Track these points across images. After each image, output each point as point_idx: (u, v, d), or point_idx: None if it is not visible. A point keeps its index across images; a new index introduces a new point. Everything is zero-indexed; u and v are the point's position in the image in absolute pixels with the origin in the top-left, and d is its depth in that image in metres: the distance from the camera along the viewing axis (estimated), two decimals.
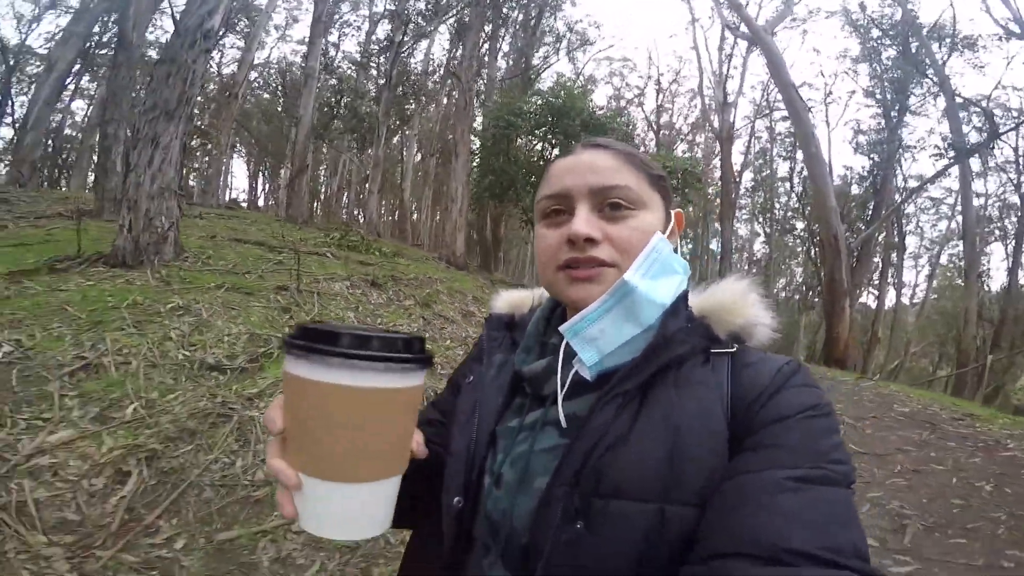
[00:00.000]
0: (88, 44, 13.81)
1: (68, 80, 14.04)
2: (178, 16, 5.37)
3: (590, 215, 0.59)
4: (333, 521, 0.44)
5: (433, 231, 21.80)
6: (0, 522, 1.81)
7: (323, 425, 0.42)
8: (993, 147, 14.50)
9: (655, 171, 0.63)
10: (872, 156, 18.35)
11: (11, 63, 17.17)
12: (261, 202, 28.38)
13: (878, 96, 18.13)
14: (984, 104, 14.63)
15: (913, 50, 15.93)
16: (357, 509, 0.44)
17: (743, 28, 16.83)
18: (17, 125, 18.39)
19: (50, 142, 18.38)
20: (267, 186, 30.07)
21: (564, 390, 0.56)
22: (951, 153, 13.67)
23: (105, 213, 8.43)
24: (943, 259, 24.98)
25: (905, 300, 28.66)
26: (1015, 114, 15.22)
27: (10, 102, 17.96)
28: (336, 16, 19.36)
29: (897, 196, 18.16)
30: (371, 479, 0.44)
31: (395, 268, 6.37)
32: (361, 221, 19.18)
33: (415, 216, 22.67)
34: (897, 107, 17.37)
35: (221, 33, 19.63)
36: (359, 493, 0.44)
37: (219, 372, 2.75)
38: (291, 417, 0.43)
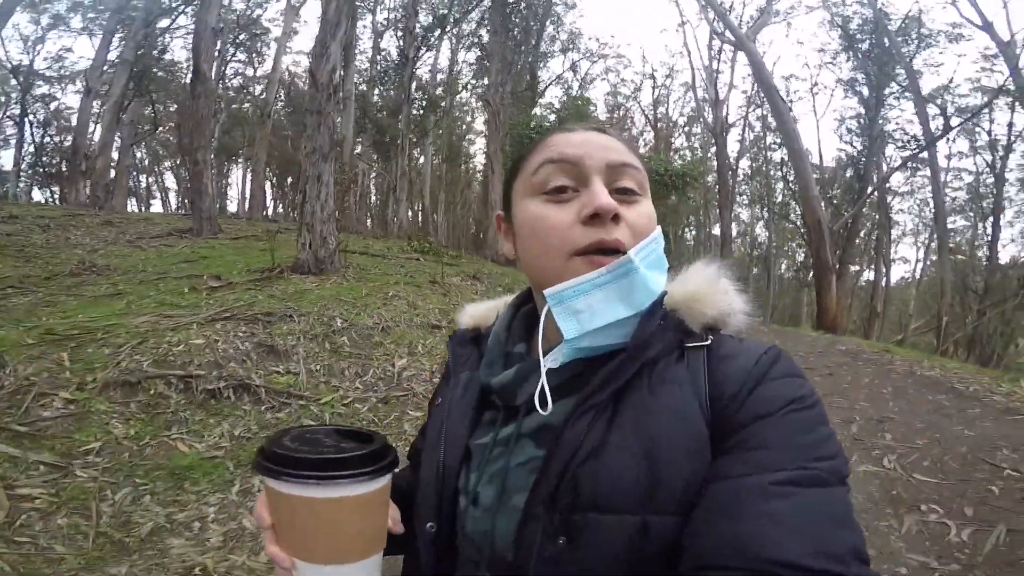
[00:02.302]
0: (133, 70, 15.93)
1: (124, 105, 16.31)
2: (313, 72, 7.55)
3: (607, 191, 0.58)
4: None
5: (447, 231, 24.48)
6: None
7: (303, 526, 0.51)
8: (949, 138, 17.43)
9: (648, 164, 0.67)
10: (854, 144, 21.16)
11: (22, 83, 19.39)
12: (270, 211, 30.77)
13: (856, 88, 20.75)
14: (939, 101, 17.50)
15: (887, 44, 18.64)
16: None
17: (728, 34, 19.55)
18: (36, 143, 20.55)
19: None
20: (274, 195, 32.13)
21: (542, 389, 0.56)
22: (913, 145, 16.57)
23: (204, 232, 10.77)
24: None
25: (908, 276, 31.79)
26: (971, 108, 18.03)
27: (27, 122, 20.16)
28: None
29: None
30: (354, 560, 0.53)
31: (470, 266, 9.06)
32: (370, 225, 21.69)
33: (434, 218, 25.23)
34: (875, 99, 19.93)
35: (233, 53, 21.99)
36: (347, 571, 0.53)
37: (437, 328, 5.34)
38: (275, 515, 0.53)
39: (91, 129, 17.91)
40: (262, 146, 17.38)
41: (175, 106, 23.46)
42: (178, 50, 20.22)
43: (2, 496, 2.65)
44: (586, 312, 0.54)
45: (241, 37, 20.97)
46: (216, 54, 23.27)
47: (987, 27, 15.36)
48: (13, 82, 19.59)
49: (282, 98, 24.06)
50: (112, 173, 18.53)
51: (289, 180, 29.55)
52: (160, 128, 23.03)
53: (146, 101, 17.79)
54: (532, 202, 0.60)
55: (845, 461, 0.50)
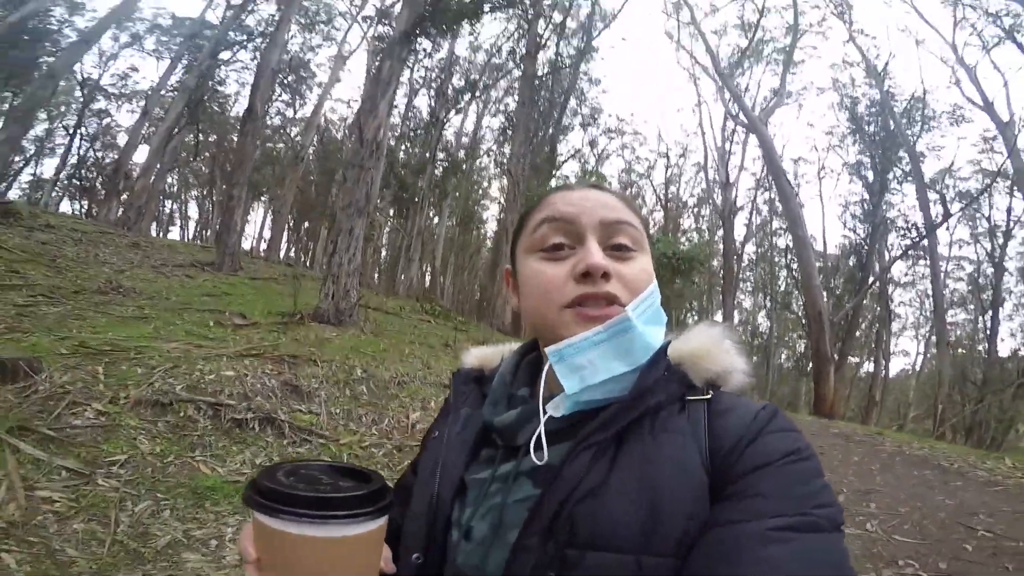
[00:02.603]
0: (191, 98, 16.62)
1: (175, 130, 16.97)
2: (361, 128, 8.06)
3: (600, 250, 0.62)
4: None
5: (453, 295, 24.99)
6: None
7: (294, 565, 0.49)
8: (949, 226, 18.08)
9: (645, 219, 0.69)
10: (857, 232, 21.61)
11: (85, 95, 20.23)
12: (282, 253, 31.36)
13: (862, 173, 21.36)
14: (938, 187, 18.27)
15: (891, 127, 19.42)
16: None
17: (742, 116, 20.69)
18: (80, 156, 21.20)
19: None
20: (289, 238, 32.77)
21: (538, 438, 0.59)
22: (913, 233, 17.20)
23: (225, 267, 10.97)
24: None
25: (908, 368, 31.84)
26: (971, 192, 18.84)
27: (79, 134, 20.88)
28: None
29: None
30: None
31: (479, 333, 9.43)
32: (377, 280, 22.17)
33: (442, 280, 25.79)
34: (879, 183, 20.43)
35: (279, 93, 23.15)
36: None
37: (449, 389, 5.63)
38: (263, 551, 0.51)
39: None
40: (291, 189, 18.12)
41: (214, 136, 24.41)
42: (231, 83, 21.30)
43: (20, 494, 2.71)
44: (588, 368, 0.58)
45: (289, 79, 22.11)
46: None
47: (988, 107, 16.20)
48: (77, 93, 20.24)
49: (314, 143, 25.03)
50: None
51: (306, 225, 30.40)
52: (198, 157, 23.91)
53: (193, 129, 18.37)
54: (532, 259, 0.65)
55: (840, 510, 0.51)
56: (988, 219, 20.61)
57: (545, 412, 0.60)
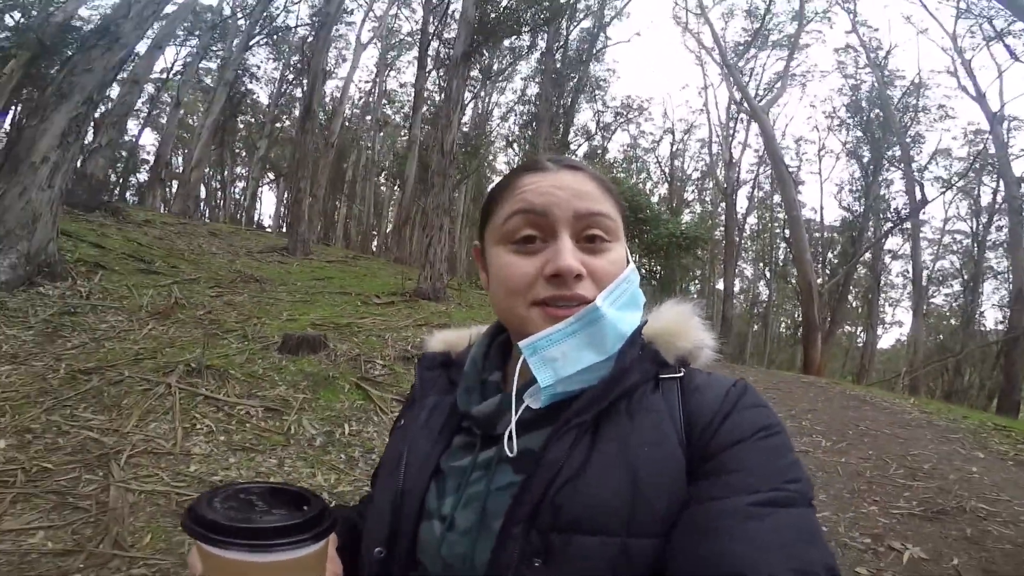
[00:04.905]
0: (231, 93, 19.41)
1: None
2: (441, 142, 11.30)
3: (573, 246, 0.66)
4: None
5: (468, 267, 28.16)
6: None
7: None
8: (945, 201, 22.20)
9: (621, 201, 0.73)
10: (851, 210, 25.22)
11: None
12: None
13: (858, 155, 24.63)
14: (923, 173, 21.83)
15: (883, 117, 22.61)
16: None
17: (745, 104, 23.75)
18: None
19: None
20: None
21: (516, 422, 0.64)
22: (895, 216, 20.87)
23: (298, 252, 13.74)
24: (937, 300, 32.62)
25: (903, 338, 36.03)
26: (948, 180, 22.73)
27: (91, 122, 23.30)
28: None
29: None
30: None
31: None
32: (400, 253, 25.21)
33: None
34: (872, 166, 23.84)
35: (293, 78, 25.65)
36: None
37: None
38: (204, 570, 0.56)
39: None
40: (324, 173, 20.85)
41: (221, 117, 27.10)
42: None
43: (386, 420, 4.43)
44: (560, 360, 0.62)
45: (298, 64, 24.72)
46: (275, 78, 27.24)
47: (980, 98, 19.11)
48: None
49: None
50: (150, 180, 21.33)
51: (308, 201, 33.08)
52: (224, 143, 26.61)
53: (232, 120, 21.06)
54: (502, 250, 0.69)
55: (810, 484, 0.58)
56: (976, 200, 24.35)
57: (522, 402, 0.65)
